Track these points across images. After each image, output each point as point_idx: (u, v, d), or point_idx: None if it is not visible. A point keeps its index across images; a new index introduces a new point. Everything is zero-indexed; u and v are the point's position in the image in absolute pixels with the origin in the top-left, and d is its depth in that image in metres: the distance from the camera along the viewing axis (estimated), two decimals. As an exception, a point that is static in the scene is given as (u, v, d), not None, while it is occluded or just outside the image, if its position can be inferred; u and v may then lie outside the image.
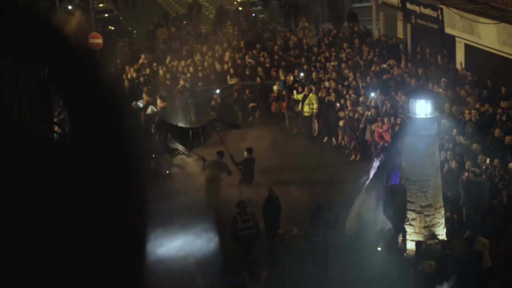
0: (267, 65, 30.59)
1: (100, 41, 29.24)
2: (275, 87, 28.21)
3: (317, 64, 29.90)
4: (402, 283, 16.21)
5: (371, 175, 19.78)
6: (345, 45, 31.91)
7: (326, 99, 26.25)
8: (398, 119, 22.61)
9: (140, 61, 31.16)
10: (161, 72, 29.96)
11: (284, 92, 27.69)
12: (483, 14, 25.57)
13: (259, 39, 34.64)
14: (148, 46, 35.37)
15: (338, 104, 25.59)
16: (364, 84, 26.71)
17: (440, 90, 24.87)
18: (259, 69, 29.95)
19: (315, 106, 26.46)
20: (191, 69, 30.26)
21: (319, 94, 26.56)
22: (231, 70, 30.19)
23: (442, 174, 18.99)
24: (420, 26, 30.60)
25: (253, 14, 42.61)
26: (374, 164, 20.63)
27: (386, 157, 19.91)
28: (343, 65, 29.20)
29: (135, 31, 40.44)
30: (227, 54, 31.65)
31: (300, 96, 26.88)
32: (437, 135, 18.52)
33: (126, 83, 28.53)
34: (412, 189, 17.84)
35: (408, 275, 16.59)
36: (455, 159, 19.84)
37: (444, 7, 28.02)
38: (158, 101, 26.56)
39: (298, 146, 26.37)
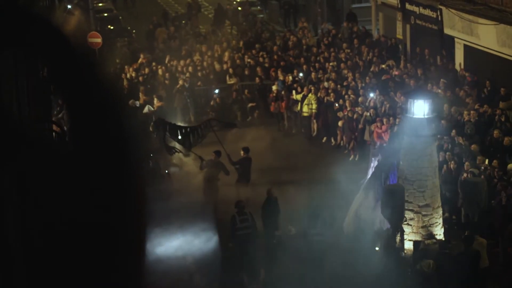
0: (266, 65, 30.60)
1: (99, 40, 29.22)
2: (274, 87, 28.23)
3: (316, 65, 29.91)
4: (400, 282, 16.22)
5: (369, 175, 19.80)
6: (344, 45, 31.91)
7: (325, 99, 26.26)
8: (397, 120, 22.63)
9: (139, 60, 31.17)
10: (160, 71, 29.97)
11: (283, 92, 27.71)
12: (483, 15, 25.58)
13: (258, 39, 34.64)
14: (147, 45, 35.40)
15: (337, 105, 25.59)
16: (363, 85, 26.72)
17: (439, 90, 24.88)
18: (258, 69, 29.95)
19: (314, 106, 26.47)
20: (190, 68, 30.27)
21: (318, 94, 26.57)
22: (230, 70, 30.20)
23: (441, 174, 19.00)
24: (419, 26, 30.62)
25: (253, 14, 42.61)
26: (372, 164, 20.66)
27: (384, 156, 19.93)
28: (342, 65, 29.21)
29: (134, 31, 40.44)
30: (226, 54, 31.65)
31: (299, 96, 26.89)
32: (435, 135, 18.53)
33: (125, 82, 28.52)
34: (410, 189, 17.86)
35: (405, 275, 16.61)
36: (454, 160, 19.85)
37: (443, 8, 28.03)
38: (155, 100, 26.57)
39: (297, 146, 26.38)
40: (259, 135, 25.02)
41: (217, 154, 20.46)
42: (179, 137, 21.39)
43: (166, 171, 21.76)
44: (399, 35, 32.35)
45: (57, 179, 2.59)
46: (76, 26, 2.77)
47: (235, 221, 17.59)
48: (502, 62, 25.15)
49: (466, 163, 19.51)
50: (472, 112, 22.42)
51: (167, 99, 27.68)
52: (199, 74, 30.24)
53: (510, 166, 19.36)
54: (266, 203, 18.41)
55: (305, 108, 26.68)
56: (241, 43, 33.60)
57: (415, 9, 30.49)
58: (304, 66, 29.76)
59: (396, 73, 27.69)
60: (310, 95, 26.53)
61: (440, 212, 18.29)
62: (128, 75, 29.56)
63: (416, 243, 17.50)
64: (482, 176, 18.87)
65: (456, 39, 27.87)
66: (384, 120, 23.27)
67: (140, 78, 29.38)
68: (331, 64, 29.48)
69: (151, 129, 22.08)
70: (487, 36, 25.62)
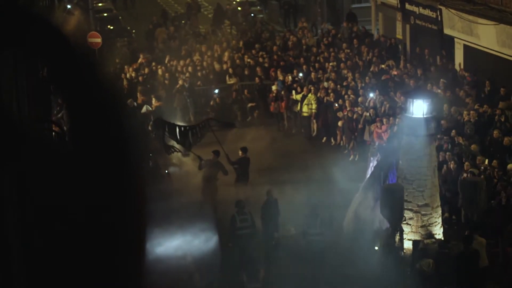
0: (266, 65, 30.59)
1: (99, 40, 29.22)
2: (274, 87, 28.22)
3: (316, 65, 29.90)
4: (399, 282, 16.23)
5: (368, 174, 19.80)
6: (344, 45, 31.90)
7: (325, 99, 26.25)
8: (397, 120, 22.63)
9: (139, 60, 31.16)
10: (160, 71, 29.96)
11: (283, 92, 27.70)
12: (482, 15, 25.58)
13: (258, 39, 34.62)
14: (147, 45, 35.40)
15: (336, 105, 25.59)
16: (363, 85, 26.71)
17: (439, 90, 24.87)
18: (258, 69, 29.94)
19: (314, 106, 26.46)
20: (190, 68, 30.26)
21: (318, 95, 26.56)
22: (230, 70, 30.19)
23: (440, 174, 19.01)
24: (419, 26, 30.61)
25: (252, 14, 42.61)
26: (371, 164, 20.67)
27: (383, 156, 19.94)
28: (342, 65, 29.20)
29: (134, 31, 40.44)
30: (226, 54, 31.65)
31: (299, 96, 26.88)
32: (434, 135, 18.53)
33: (125, 82, 28.51)
34: (409, 189, 17.86)
35: (405, 274, 16.61)
36: (453, 160, 19.86)
37: (443, 8, 28.03)
38: (153, 100, 26.56)
39: (297, 146, 26.38)
40: (259, 135, 25.03)
41: (216, 154, 20.47)
42: (178, 136, 21.39)
43: (166, 171, 21.76)
44: (399, 35, 32.35)
45: (57, 179, 2.59)
46: (76, 26, 2.77)
47: (235, 220, 17.60)
48: (502, 62, 25.15)
49: (466, 163, 19.51)
50: (472, 112, 22.42)
51: (166, 99, 27.67)
52: (199, 74, 30.23)
53: (510, 166, 19.36)
54: (266, 204, 18.40)
55: (305, 108, 26.67)
56: (241, 43, 33.59)
57: (415, 9, 30.49)
58: (304, 66, 29.75)
59: (396, 73, 27.68)
60: (310, 95, 26.53)
61: (439, 211, 18.30)
62: (128, 75, 29.56)
63: (415, 242, 17.51)
64: (482, 176, 18.87)
65: (456, 39, 27.87)
66: (384, 120, 23.26)
67: (140, 78, 29.37)
68: (331, 64, 29.46)
69: (149, 128, 22.06)
70: (487, 36, 25.62)
